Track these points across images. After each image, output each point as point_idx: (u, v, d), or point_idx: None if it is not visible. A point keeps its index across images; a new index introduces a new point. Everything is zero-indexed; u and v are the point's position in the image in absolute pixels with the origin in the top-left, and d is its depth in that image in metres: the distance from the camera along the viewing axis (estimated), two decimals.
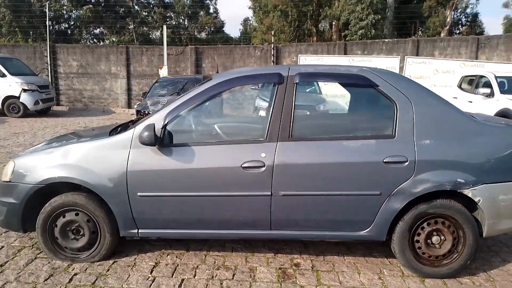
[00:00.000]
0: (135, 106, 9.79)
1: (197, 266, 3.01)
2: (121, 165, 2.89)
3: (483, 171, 2.79)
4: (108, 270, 2.93)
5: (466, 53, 14.24)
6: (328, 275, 2.93)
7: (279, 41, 24.00)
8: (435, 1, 25.57)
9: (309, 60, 13.60)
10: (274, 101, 2.91)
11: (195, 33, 33.35)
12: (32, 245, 3.29)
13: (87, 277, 2.81)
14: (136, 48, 15.30)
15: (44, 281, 2.74)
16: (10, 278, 2.76)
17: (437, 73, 12.81)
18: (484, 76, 9.15)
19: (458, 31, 30.47)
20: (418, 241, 2.92)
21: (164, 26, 14.14)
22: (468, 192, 2.78)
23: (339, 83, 2.99)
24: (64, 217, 3.00)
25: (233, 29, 59.46)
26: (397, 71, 13.14)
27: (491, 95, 8.38)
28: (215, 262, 3.09)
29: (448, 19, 26.74)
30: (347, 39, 17.43)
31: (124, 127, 3.30)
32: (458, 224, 2.86)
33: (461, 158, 2.80)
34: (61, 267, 2.94)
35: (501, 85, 8.59)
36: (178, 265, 3.03)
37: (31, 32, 22.41)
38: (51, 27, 15.55)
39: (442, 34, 25.30)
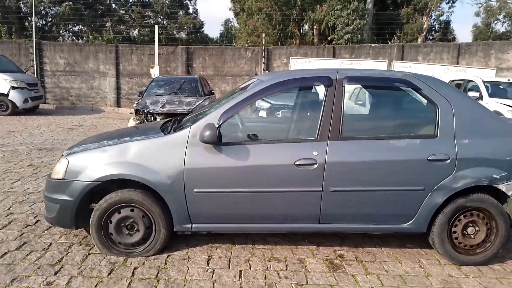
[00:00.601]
0: (134, 105, 9.72)
1: (249, 259, 3.14)
2: (179, 162, 2.99)
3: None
4: (165, 263, 3.02)
5: (448, 59, 14.92)
6: (373, 265, 3.13)
7: (264, 43, 24.30)
8: (412, 8, 26.51)
9: (300, 62, 13.87)
10: (324, 103, 3.08)
11: (174, 33, 33.09)
12: (80, 242, 3.32)
13: (148, 270, 2.89)
14: (126, 47, 15.13)
15: (108, 275, 2.80)
16: (74, 273, 2.80)
17: None
18: (472, 81, 9.66)
19: (431, 37, 31.65)
20: (455, 232, 3.16)
21: (156, 26, 14.08)
22: (502, 187, 3.05)
23: (385, 86, 3.20)
24: (119, 213, 3.06)
25: (212, 30, 59.31)
26: None
27: (480, 98, 8.87)
28: (263, 254, 3.23)
29: (425, 26, 27.73)
30: (333, 42, 17.84)
31: (175, 125, 3.39)
32: (491, 216, 3.12)
33: (495, 155, 3.06)
34: (118, 262, 3.00)
35: (486, 89, 9.12)
36: (230, 257, 3.15)
37: (13, 28, 21.66)
38: (34, 23, 15.07)
39: (419, 40, 26.24)
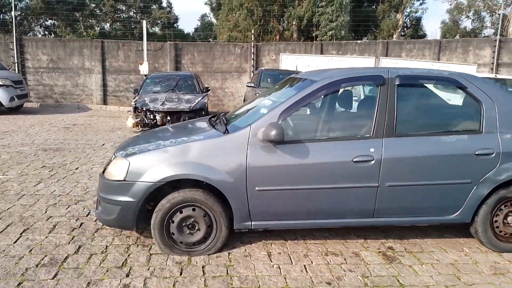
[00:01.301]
0: (132, 103, 9.56)
1: (307, 254, 3.24)
2: (241, 161, 3.04)
3: None
4: (230, 261, 3.06)
5: (429, 55, 15.47)
6: (423, 255, 3.30)
7: (245, 39, 24.28)
8: (388, 5, 27.20)
9: (290, 59, 14.01)
10: (378, 101, 3.20)
11: (148, 27, 32.49)
12: (135, 242, 3.31)
13: (217, 268, 2.93)
14: (112, 43, 14.75)
15: (180, 275, 2.82)
16: (146, 274, 2.80)
17: None
18: None
19: (403, 34, 32.59)
20: (496, 221, 3.38)
21: (144, 21, 13.81)
22: None
23: (433, 85, 3.36)
24: (181, 212, 3.08)
25: (187, 25, 58.52)
26: None
27: None
28: (318, 249, 3.33)
29: (400, 22, 28.52)
30: (318, 39, 18.09)
31: (220, 124, 3.43)
32: None
33: None
34: (183, 261, 3.02)
35: None
36: (289, 253, 3.23)
37: None
38: (14, 17, 14.44)
39: (394, 36, 27.01)
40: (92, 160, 6.13)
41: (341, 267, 3.04)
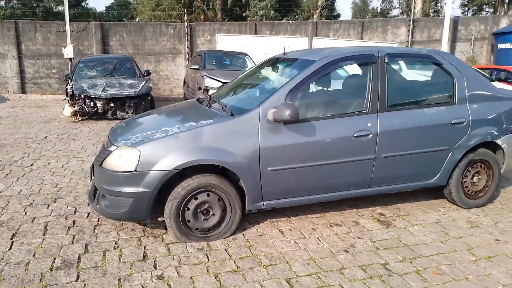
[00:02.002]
0: (69, 89, 8.79)
1: (314, 227, 3.43)
2: (254, 142, 3.08)
3: (507, 125, 3.86)
4: (248, 241, 3.13)
5: (354, 34, 16.45)
6: (410, 218, 3.69)
7: (170, 18, 23.39)
8: None
9: (226, 39, 13.91)
10: (371, 78, 3.44)
11: (52, 6, 29.61)
12: (144, 234, 3.19)
13: (240, 250, 2.99)
14: (28, 23, 13.21)
15: (209, 260, 2.82)
16: (174, 263, 2.75)
17: None
18: None
19: (320, 14, 34.00)
20: (465, 182, 3.89)
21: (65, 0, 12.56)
22: (499, 142, 3.84)
23: (415, 61, 3.69)
24: (196, 199, 3.04)
25: (98, 2, 54.19)
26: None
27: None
28: (322, 222, 3.54)
29: (319, 3, 29.66)
30: (248, 19, 18.13)
31: (215, 104, 3.43)
32: (489, 166, 3.91)
33: (494, 116, 3.81)
34: (204, 247, 3.02)
35: None
36: (298, 228, 3.39)
37: None
38: None
39: (314, 16, 28.13)
40: (44, 155, 5.61)
41: (349, 236, 3.28)
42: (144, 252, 2.91)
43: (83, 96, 8.65)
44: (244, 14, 19.57)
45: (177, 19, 23.23)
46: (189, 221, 3.06)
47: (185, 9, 15.42)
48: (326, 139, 3.27)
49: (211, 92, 9.14)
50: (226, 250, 2.98)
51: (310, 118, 3.29)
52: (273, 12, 18.00)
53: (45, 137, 6.87)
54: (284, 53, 3.99)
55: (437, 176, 3.75)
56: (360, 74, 3.53)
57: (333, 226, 3.46)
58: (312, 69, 3.31)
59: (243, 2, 19.11)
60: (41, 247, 2.92)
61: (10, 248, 2.89)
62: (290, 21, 15.93)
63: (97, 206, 3.17)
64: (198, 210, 3.08)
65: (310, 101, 3.39)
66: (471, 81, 3.76)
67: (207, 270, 2.69)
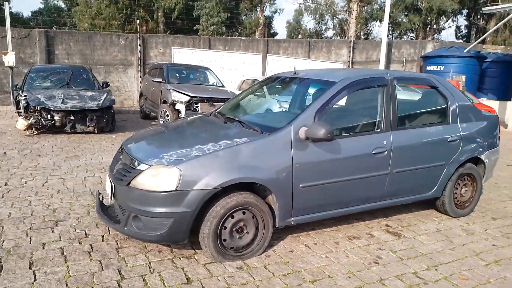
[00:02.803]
0: (22, 101, 8.06)
1: (336, 241, 3.55)
2: (287, 160, 3.14)
3: (487, 141, 4.36)
4: (282, 257, 3.15)
5: (302, 53, 17.21)
6: (414, 228, 3.98)
7: (110, 27, 22.49)
8: (249, 3, 28.82)
9: (182, 53, 13.77)
10: (384, 99, 3.69)
11: None
12: (175, 256, 3.07)
13: (280, 266, 3.00)
14: None
15: (256, 280, 2.79)
16: (223, 285, 2.68)
17: (291, 69, 15.14)
18: None
19: (262, 31, 35.05)
20: (455, 193, 4.29)
21: (6, 3, 11.56)
22: (483, 157, 4.31)
23: (417, 84, 4.03)
24: (233, 217, 3.01)
25: (23, 7, 50.27)
26: (260, 66, 14.86)
27: None
28: (340, 236, 3.68)
29: (261, 21, 30.55)
30: (199, 33, 18.10)
31: (251, 122, 3.45)
32: (474, 178, 4.37)
33: (479, 135, 4.28)
34: (242, 266, 2.98)
35: None
36: (322, 243, 3.49)
37: None
38: None
39: (257, 33, 28.91)
40: (14, 173, 5.10)
41: (371, 248, 3.45)
42: (186, 275, 2.80)
43: (39, 108, 7.99)
44: (194, 28, 19.47)
45: (118, 29, 22.46)
46: (225, 240, 3.02)
47: (137, 20, 14.97)
48: (349, 156, 3.44)
49: (178, 106, 9.01)
50: (265, 268, 2.98)
51: (336, 136, 3.43)
52: (224, 28, 18.18)
53: (5, 152, 6.24)
54: (295, 73, 4.11)
55: (435, 188, 4.10)
56: (371, 95, 3.76)
57: (352, 239, 3.61)
58: (335, 90, 3.47)
59: (193, 16, 19.04)
60: (70, 276, 2.68)
61: (35, 280, 2.61)
62: (243, 38, 16.21)
63: (125, 228, 2.99)
64: (234, 229, 3.04)
65: (334, 120, 3.54)
66: (461, 103, 4.20)
67: None
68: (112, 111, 8.78)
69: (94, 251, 3.07)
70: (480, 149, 4.28)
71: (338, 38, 31.01)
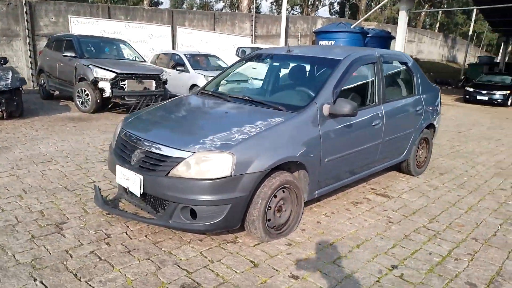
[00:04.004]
0: None
1: (346, 208, 3.85)
2: (317, 136, 3.27)
3: (437, 109, 5.11)
4: (315, 230, 3.32)
5: (207, 25, 16.89)
6: (392, 188, 4.53)
7: None
8: None
9: (81, 22, 12.26)
10: (376, 75, 4.02)
11: None
12: (215, 241, 2.98)
13: (321, 238, 3.17)
14: None
15: (315, 253, 2.91)
16: (289, 262, 2.73)
17: (202, 42, 14.80)
18: (176, 54, 11.21)
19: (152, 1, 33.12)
20: (417, 155, 4.97)
21: None
22: (435, 122, 5.06)
23: (393, 61, 4.45)
24: (275, 197, 3.04)
25: None
26: (170, 39, 14.17)
27: (186, 71, 10.26)
28: (345, 203, 3.99)
29: None
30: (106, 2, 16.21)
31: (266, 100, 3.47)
32: (428, 141, 5.11)
33: (432, 104, 4.99)
34: (290, 243, 3.06)
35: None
36: (337, 211, 3.75)
37: None
38: None
39: (145, 3, 27.20)
40: None
41: (376, 210, 3.85)
42: (246, 258, 2.77)
43: None
44: None
45: None
46: (269, 219, 3.04)
47: None
48: (359, 129, 3.71)
49: (101, 84, 8.15)
50: (310, 240, 3.11)
51: None
52: None
53: None
54: (289, 50, 4.15)
55: (405, 152, 4.68)
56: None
57: (356, 205, 3.96)
58: (344, 67, 3.65)
59: None
60: (132, 280, 2.42)
61: None
62: (146, 7, 15.11)
63: (171, 221, 2.78)
64: (276, 208, 3.08)
65: (343, 96, 3.73)
66: (421, 77, 4.81)
67: (323, 262, 2.81)
68: (23, 92, 7.53)
69: (132, 250, 2.79)
70: (434, 116, 5.00)
71: (249, 12, 30.97)
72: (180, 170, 2.73)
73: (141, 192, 2.89)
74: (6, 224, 3.08)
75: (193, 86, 10.16)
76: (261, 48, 12.87)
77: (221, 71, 4.44)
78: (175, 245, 2.90)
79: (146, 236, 3.01)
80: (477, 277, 2.72)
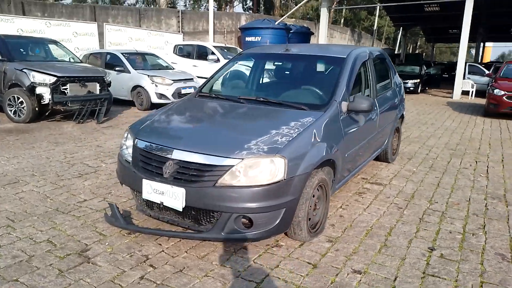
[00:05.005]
0: None
1: (356, 200, 4.01)
2: (340, 133, 3.37)
3: (403, 100, 5.55)
4: (343, 223, 3.42)
5: (132, 22, 16.07)
6: (378, 175, 4.83)
7: None
8: None
9: None
10: (369, 71, 4.23)
11: None
12: (262, 248, 2.90)
13: (354, 230, 3.27)
14: None
15: (358, 246, 2.99)
16: (342, 259, 2.78)
17: (132, 40, 13.98)
18: (113, 54, 10.20)
19: None
20: (393, 144, 5.35)
21: None
22: (403, 112, 5.49)
23: (376, 57, 4.70)
24: (313, 196, 3.06)
25: None
26: (96, 37, 13.18)
27: (126, 72, 9.71)
28: (350, 195, 4.15)
29: None
30: None
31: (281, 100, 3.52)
32: (399, 130, 5.56)
33: (401, 95, 5.41)
34: (331, 240, 3.10)
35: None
36: (348, 204, 3.89)
37: None
38: None
39: None
40: None
41: (381, 198, 4.09)
42: (301, 260, 2.75)
43: None
44: None
45: None
46: (310, 219, 3.05)
47: None
48: (365, 123, 3.88)
49: (40, 90, 7.29)
50: (346, 234, 3.20)
51: None
52: None
53: None
54: (287, 49, 4.14)
55: (385, 142, 5.01)
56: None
57: (361, 194, 4.15)
58: (349, 65, 3.77)
59: None
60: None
61: None
62: (65, 3, 13.80)
63: (223, 233, 2.64)
64: (313, 207, 3.10)
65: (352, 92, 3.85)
66: (394, 71, 5.17)
67: (376, 252, 2.90)
68: None
69: (183, 269, 2.59)
70: (404, 106, 5.43)
71: (175, 8, 29.68)
72: (228, 179, 2.61)
73: (184, 206, 2.69)
74: (17, 260, 2.64)
75: (136, 87, 9.61)
76: (202, 46, 12.68)
77: (214, 72, 4.28)
78: (223, 257, 2.76)
79: (186, 252, 2.82)
80: (500, 247, 3.06)
